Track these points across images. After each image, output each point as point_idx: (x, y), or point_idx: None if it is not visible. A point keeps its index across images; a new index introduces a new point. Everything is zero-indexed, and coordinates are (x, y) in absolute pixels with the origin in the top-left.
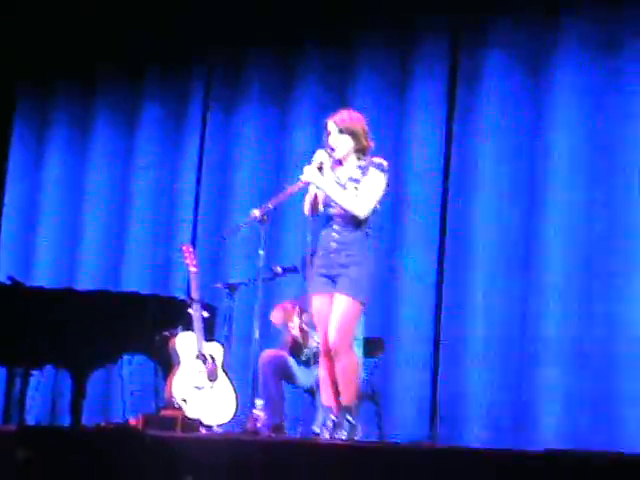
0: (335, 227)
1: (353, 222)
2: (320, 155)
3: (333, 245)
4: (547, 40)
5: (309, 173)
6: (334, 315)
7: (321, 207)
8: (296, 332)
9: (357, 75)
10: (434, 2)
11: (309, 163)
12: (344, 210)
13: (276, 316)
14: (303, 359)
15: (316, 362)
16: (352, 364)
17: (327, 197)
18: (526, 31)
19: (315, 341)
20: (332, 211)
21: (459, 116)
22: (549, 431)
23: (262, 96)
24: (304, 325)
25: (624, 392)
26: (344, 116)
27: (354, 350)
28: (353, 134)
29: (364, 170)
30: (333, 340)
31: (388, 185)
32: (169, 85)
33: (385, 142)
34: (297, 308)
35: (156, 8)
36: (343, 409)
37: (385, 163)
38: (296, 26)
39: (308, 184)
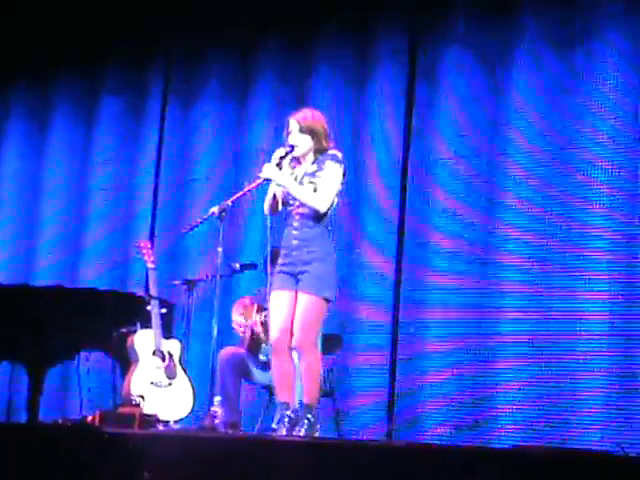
0: (295, 224)
1: (312, 218)
2: (279, 153)
3: (294, 242)
4: (504, 38)
5: (268, 170)
6: (298, 313)
7: (280, 206)
8: (257, 328)
9: (315, 70)
10: None
11: (268, 160)
12: (303, 207)
13: (236, 312)
14: (262, 359)
15: None
16: (316, 362)
17: (286, 195)
18: (483, 28)
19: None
20: (291, 209)
21: (417, 112)
22: (506, 427)
23: (220, 91)
24: (264, 318)
25: (580, 389)
26: (307, 115)
27: (318, 348)
28: (314, 134)
29: (319, 164)
30: (298, 338)
31: (345, 175)
32: (127, 79)
33: (344, 138)
34: (255, 305)
35: (114, 1)
36: (305, 407)
37: (339, 154)
38: (254, 21)
39: (267, 181)
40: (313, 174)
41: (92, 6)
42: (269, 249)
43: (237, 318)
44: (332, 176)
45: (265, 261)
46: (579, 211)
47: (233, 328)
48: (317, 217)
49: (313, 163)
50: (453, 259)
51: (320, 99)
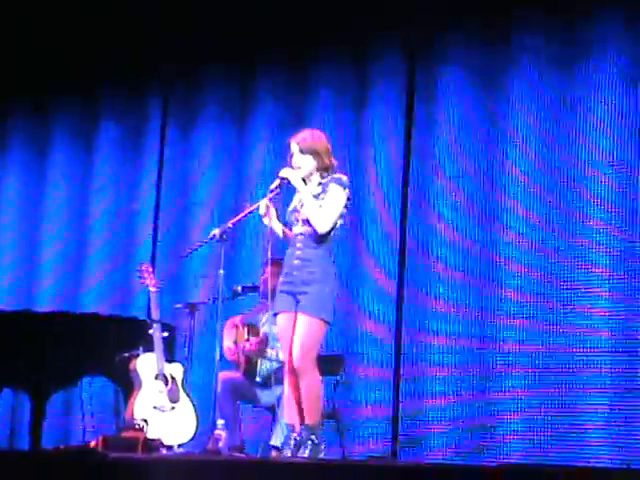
0: (298, 245)
1: (315, 239)
2: (286, 171)
3: (296, 262)
4: (500, 56)
5: (286, 171)
6: (296, 335)
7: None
8: (250, 350)
9: (314, 92)
10: (389, 20)
11: (268, 183)
12: (306, 226)
13: (227, 337)
14: (258, 381)
15: (276, 381)
16: (316, 383)
17: (289, 215)
18: (480, 47)
19: (270, 356)
20: (296, 230)
21: (417, 131)
22: (510, 447)
23: (219, 114)
24: (262, 336)
25: (584, 404)
26: (306, 135)
27: (317, 369)
28: (315, 153)
29: (324, 186)
30: (296, 360)
31: (349, 199)
32: (126, 104)
33: (344, 159)
34: (246, 327)
35: (111, 27)
36: (307, 428)
37: (345, 178)
38: (252, 44)
39: (277, 194)
40: (317, 196)
41: (89, 34)
42: (268, 270)
43: (228, 344)
44: (335, 200)
45: (264, 266)
46: (579, 224)
47: (224, 353)
48: (320, 238)
49: (318, 185)
50: (452, 282)
51: (319, 121)
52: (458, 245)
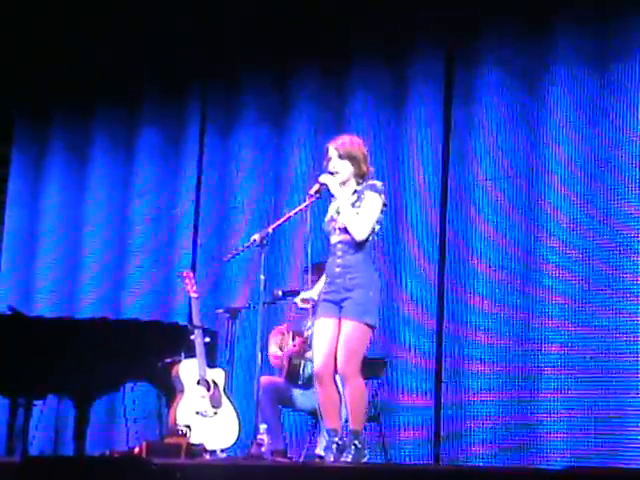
0: (338, 253)
1: (354, 246)
2: (325, 177)
3: (337, 270)
4: (539, 56)
5: (325, 177)
6: (341, 340)
7: None
8: (295, 352)
9: (353, 95)
10: (428, 21)
11: (307, 186)
12: (345, 234)
13: (273, 343)
14: (300, 383)
15: None
16: (360, 388)
17: (327, 225)
18: (519, 48)
19: (310, 357)
20: (334, 239)
21: (455, 134)
22: (550, 446)
23: (258, 118)
24: (305, 337)
25: (626, 406)
26: (345, 141)
27: (362, 374)
28: (353, 159)
29: (360, 194)
30: (341, 365)
31: (385, 205)
32: (166, 110)
33: (382, 161)
34: (291, 332)
35: (151, 34)
36: (351, 433)
37: (379, 184)
38: (290, 47)
39: (317, 198)
40: (353, 204)
41: (128, 38)
42: (309, 267)
43: (273, 350)
44: (371, 206)
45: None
46: (621, 226)
47: (269, 360)
48: (358, 244)
49: (353, 193)
50: (493, 283)
51: (357, 123)
52: (498, 246)
